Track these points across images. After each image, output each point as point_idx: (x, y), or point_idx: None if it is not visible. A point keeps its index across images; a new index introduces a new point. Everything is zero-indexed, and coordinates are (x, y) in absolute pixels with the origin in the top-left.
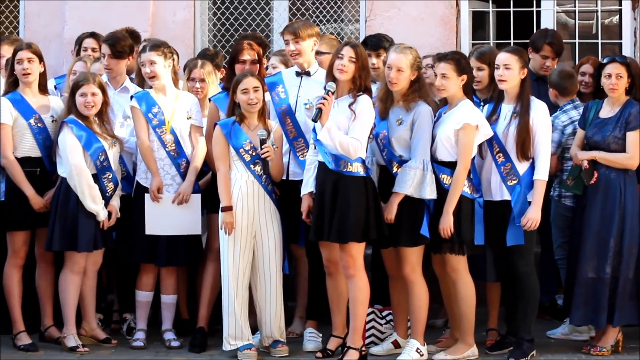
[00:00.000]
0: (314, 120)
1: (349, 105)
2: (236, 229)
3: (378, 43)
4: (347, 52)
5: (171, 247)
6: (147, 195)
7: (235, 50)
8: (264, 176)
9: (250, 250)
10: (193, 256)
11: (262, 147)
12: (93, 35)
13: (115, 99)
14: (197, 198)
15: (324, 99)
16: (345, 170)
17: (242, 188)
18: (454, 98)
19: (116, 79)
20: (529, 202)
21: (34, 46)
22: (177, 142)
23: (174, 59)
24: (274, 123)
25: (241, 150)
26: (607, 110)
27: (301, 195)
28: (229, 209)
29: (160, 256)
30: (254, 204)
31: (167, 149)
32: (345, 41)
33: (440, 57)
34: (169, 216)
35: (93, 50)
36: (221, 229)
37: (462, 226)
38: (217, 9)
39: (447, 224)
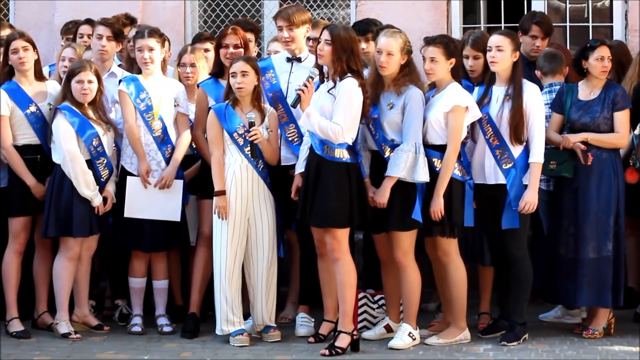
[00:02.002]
0: (293, 106)
1: (328, 90)
2: (230, 213)
3: (366, 28)
4: (323, 35)
5: (155, 233)
6: (129, 178)
7: (219, 35)
8: (260, 160)
9: (244, 235)
10: (178, 242)
11: (250, 129)
12: (89, 21)
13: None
14: (179, 184)
15: (305, 85)
16: (327, 155)
17: (235, 172)
18: (442, 81)
19: (104, 64)
20: (525, 186)
21: (26, 34)
22: (164, 129)
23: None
24: (269, 107)
25: (235, 134)
26: (587, 93)
27: (294, 175)
28: (222, 193)
29: (145, 242)
30: (248, 188)
31: (154, 135)
32: (325, 25)
33: (428, 41)
34: (150, 200)
35: (89, 36)
36: (215, 213)
37: (453, 209)
38: None
39: (438, 206)
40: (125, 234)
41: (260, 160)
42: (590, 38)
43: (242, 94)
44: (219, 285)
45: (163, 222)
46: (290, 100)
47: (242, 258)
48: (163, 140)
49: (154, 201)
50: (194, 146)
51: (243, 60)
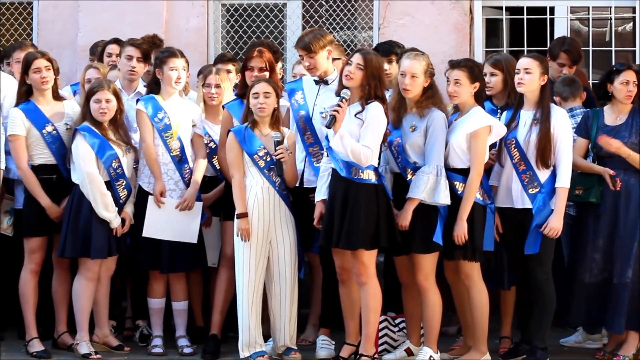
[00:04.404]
0: (328, 127)
1: (356, 114)
2: (252, 235)
3: (389, 49)
4: (356, 59)
5: (174, 254)
6: (150, 198)
7: (245, 57)
8: (280, 182)
9: (265, 257)
10: (195, 262)
11: (277, 148)
12: (117, 41)
13: (129, 105)
14: (198, 206)
15: (339, 106)
16: (356, 177)
17: (257, 195)
18: (465, 105)
19: (131, 85)
20: (552, 210)
21: (47, 54)
22: (182, 148)
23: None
24: (286, 130)
25: (255, 156)
26: (613, 118)
27: (315, 202)
28: (244, 215)
29: (163, 263)
30: (270, 210)
31: (172, 154)
32: (358, 48)
33: (453, 64)
34: (169, 221)
35: (117, 56)
36: (237, 235)
37: (475, 233)
38: (231, 16)
39: (461, 230)
40: (144, 254)
41: (281, 182)
42: (613, 62)
43: (262, 114)
44: (242, 308)
45: (182, 243)
46: (325, 122)
47: (263, 280)
48: (181, 160)
49: (173, 222)
50: (218, 167)
51: (265, 81)
